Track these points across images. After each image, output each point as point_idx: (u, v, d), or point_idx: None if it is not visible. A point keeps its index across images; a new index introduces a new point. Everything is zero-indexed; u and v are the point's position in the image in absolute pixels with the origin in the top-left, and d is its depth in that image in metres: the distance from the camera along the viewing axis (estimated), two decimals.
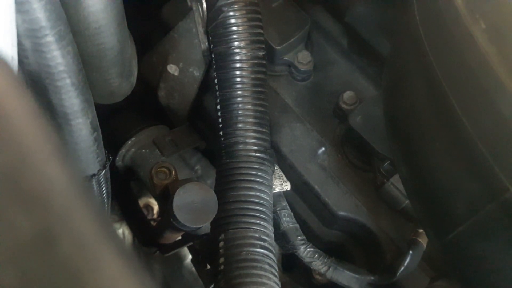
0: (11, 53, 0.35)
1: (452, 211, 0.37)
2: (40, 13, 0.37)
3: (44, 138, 0.16)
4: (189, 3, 0.68)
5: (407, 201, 0.63)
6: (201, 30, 0.65)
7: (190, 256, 0.77)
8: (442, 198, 0.38)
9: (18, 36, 0.37)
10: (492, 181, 0.32)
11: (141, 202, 0.95)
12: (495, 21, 0.35)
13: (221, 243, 0.53)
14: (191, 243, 0.66)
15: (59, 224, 0.14)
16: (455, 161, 0.36)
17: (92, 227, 0.14)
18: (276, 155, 0.66)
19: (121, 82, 0.52)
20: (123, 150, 0.77)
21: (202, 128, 0.79)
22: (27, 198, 0.14)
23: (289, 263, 0.76)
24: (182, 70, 0.73)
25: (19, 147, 0.15)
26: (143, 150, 0.76)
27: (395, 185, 0.63)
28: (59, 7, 0.39)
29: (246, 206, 0.55)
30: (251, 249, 0.52)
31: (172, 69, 0.74)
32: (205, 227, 0.57)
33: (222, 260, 0.52)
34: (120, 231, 0.92)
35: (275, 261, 0.53)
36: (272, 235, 0.56)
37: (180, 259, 0.89)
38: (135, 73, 0.57)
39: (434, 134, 0.39)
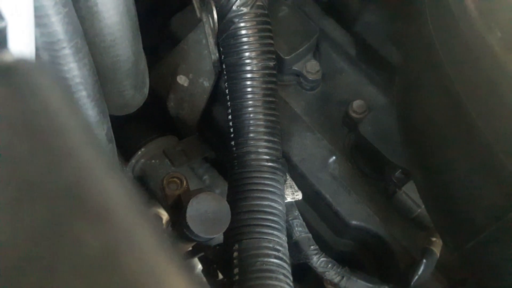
0: None
1: (471, 219, 0.36)
2: (58, 26, 0.37)
3: (98, 151, 0.16)
4: (198, 15, 0.68)
5: (419, 210, 0.62)
6: (211, 41, 0.66)
7: (200, 266, 0.77)
8: (461, 206, 0.38)
9: (36, 49, 0.38)
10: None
11: (150, 212, 0.95)
12: (510, 29, 0.36)
13: (235, 254, 0.53)
14: (202, 253, 0.66)
15: (124, 239, 0.14)
16: (474, 169, 0.36)
17: (153, 242, 0.15)
18: (287, 164, 0.66)
19: (134, 94, 0.52)
20: (133, 161, 0.77)
21: (211, 138, 0.79)
22: (91, 213, 0.14)
23: (300, 273, 0.76)
24: (192, 80, 0.74)
25: (79, 163, 0.15)
26: (153, 161, 0.76)
27: (407, 194, 0.63)
28: (76, 20, 0.40)
29: (259, 216, 0.55)
30: (266, 259, 0.51)
31: (182, 80, 0.74)
32: (217, 237, 0.56)
33: (236, 270, 0.52)
34: None
35: (290, 271, 0.53)
36: (286, 245, 0.56)
37: (190, 268, 0.89)
38: (148, 84, 0.57)
39: (452, 142, 0.39)
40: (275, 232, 0.54)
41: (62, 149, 0.15)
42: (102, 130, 0.44)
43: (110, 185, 0.15)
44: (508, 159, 0.33)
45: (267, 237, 0.53)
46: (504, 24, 0.36)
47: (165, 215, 0.96)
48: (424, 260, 0.58)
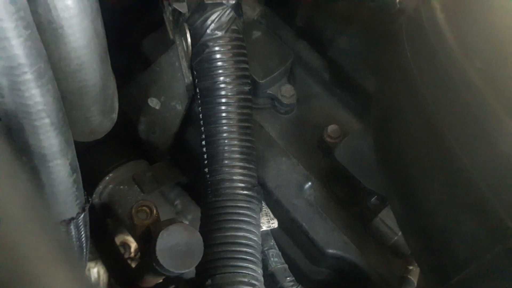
0: None
1: (454, 254, 0.35)
2: (19, 50, 0.35)
3: (40, 237, 0.14)
4: (171, 36, 0.66)
5: (396, 237, 0.61)
6: (184, 64, 0.64)
7: None
8: (442, 241, 0.37)
9: None
10: (496, 225, 0.31)
11: (118, 239, 0.90)
12: (490, 59, 0.35)
13: None
14: (173, 287, 0.63)
15: None
16: (455, 202, 0.35)
17: None
18: (262, 191, 0.64)
19: (102, 120, 0.50)
20: (100, 187, 0.73)
21: (184, 163, 0.77)
22: None
23: None
24: (164, 103, 0.71)
25: (16, 260, 0.12)
26: (121, 187, 0.73)
27: (384, 221, 0.62)
28: (39, 43, 0.37)
29: (233, 249, 0.53)
30: None
31: (154, 102, 0.72)
32: (190, 271, 0.53)
33: None
34: (95, 270, 0.87)
35: None
36: (262, 278, 0.53)
37: None
38: (117, 109, 0.55)
39: (432, 173, 0.38)
40: (251, 265, 0.52)
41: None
42: (66, 160, 0.41)
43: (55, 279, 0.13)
44: (490, 193, 0.32)
45: (242, 271, 0.51)
46: (482, 54, 0.36)
47: (133, 243, 0.92)
48: None
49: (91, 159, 0.77)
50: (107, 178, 0.73)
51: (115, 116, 0.53)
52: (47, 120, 0.38)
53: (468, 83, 0.35)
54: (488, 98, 0.34)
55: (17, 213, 0.14)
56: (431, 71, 0.40)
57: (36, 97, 0.37)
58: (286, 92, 0.72)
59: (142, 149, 0.79)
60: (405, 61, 0.43)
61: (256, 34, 0.74)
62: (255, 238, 0.55)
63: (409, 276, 0.58)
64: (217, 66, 0.59)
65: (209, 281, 0.51)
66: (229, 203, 0.56)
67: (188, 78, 0.65)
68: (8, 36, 0.33)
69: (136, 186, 0.72)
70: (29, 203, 0.15)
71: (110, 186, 0.73)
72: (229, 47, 0.59)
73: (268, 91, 0.72)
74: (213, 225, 0.55)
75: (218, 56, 0.58)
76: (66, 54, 0.41)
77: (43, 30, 0.39)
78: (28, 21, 0.35)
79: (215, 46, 0.58)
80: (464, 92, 0.35)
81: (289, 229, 0.67)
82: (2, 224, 0.13)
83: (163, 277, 0.62)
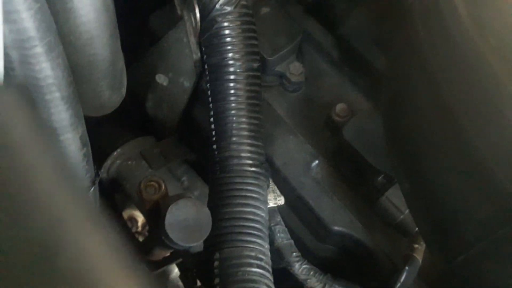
0: None
1: (462, 233, 0.36)
2: (28, 22, 0.34)
3: (74, 197, 0.14)
4: (179, 12, 0.66)
5: (402, 216, 0.62)
6: (193, 40, 0.64)
7: (176, 270, 0.75)
8: (451, 219, 0.37)
9: (5, 47, 0.35)
10: (506, 206, 0.31)
11: (125, 214, 0.92)
12: (505, 38, 0.35)
13: (216, 263, 0.51)
14: (180, 260, 0.64)
15: None
16: (466, 181, 0.35)
17: None
18: (270, 168, 0.64)
19: (111, 94, 0.50)
20: (108, 162, 0.74)
21: (191, 140, 0.77)
22: (67, 282, 0.12)
23: (280, 278, 0.75)
24: (172, 80, 0.71)
25: (50, 215, 0.12)
26: (129, 162, 0.73)
27: (390, 200, 0.62)
28: (49, 17, 0.37)
29: (241, 224, 0.53)
30: (248, 269, 0.50)
31: (161, 79, 0.71)
32: (197, 245, 0.54)
33: (217, 280, 0.50)
34: None
35: (272, 280, 0.52)
36: (269, 253, 0.54)
37: (165, 272, 0.86)
38: (125, 84, 0.55)
39: (443, 153, 0.38)
40: (258, 240, 0.53)
41: (29, 198, 0.12)
42: (77, 134, 0.42)
43: (89, 243, 0.13)
44: (500, 173, 0.32)
45: (249, 245, 0.52)
46: (497, 32, 0.35)
47: (140, 217, 0.93)
48: (407, 268, 0.57)
49: (99, 135, 0.77)
50: (115, 153, 0.74)
51: (124, 91, 0.53)
52: (57, 94, 0.38)
53: (482, 62, 0.35)
54: (503, 77, 0.33)
55: (51, 176, 0.15)
56: (444, 49, 0.39)
57: (47, 70, 0.37)
58: (294, 70, 0.71)
59: (149, 126, 0.79)
60: (418, 39, 0.42)
61: (265, 10, 0.73)
62: (262, 214, 0.56)
63: (414, 254, 0.59)
64: (226, 42, 0.58)
65: (217, 255, 0.51)
66: (237, 180, 0.56)
67: (197, 54, 0.64)
68: (19, 8, 0.33)
69: (144, 161, 0.72)
70: (59, 168, 0.15)
71: (118, 161, 0.74)
72: (238, 22, 0.58)
73: (276, 69, 0.71)
74: (221, 201, 0.55)
75: (227, 31, 0.58)
76: (76, 28, 0.41)
77: (52, 3, 0.38)
78: None
79: (224, 21, 0.58)
80: (478, 71, 0.35)
81: (296, 207, 0.67)
82: (35, 189, 0.13)
83: (171, 250, 0.63)
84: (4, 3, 0.32)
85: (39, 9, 0.35)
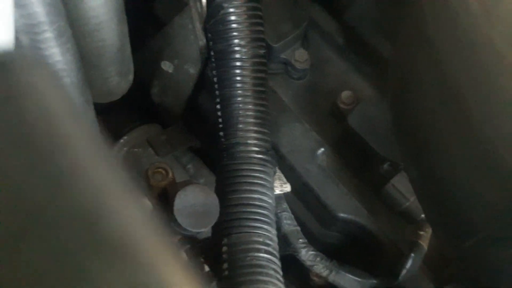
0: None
1: (470, 218, 0.36)
2: (39, 7, 0.34)
3: (111, 167, 0.14)
4: None
5: (407, 203, 0.62)
6: (198, 26, 0.63)
7: (184, 256, 0.75)
8: (459, 204, 0.37)
9: (16, 32, 0.35)
10: None
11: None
12: None
13: (224, 248, 0.51)
14: (188, 246, 0.64)
15: (150, 280, 0.12)
16: (474, 167, 0.36)
17: (181, 279, 0.13)
18: (276, 156, 0.64)
19: (120, 81, 0.50)
20: (115, 149, 0.74)
21: (196, 127, 0.77)
22: (110, 249, 0.12)
23: (285, 264, 0.75)
24: (177, 67, 0.71)
25: (90, 184, 0.13)
26: (136, 149, 0.73)
27: (396, 187, 0.62)
28: (59, 2, 0.37)
29: (249, 210, 0.53)
30: (256, 254, 0.50)
31: (166, 65, 0.71)
32: (205, 231, 0.55)
33: (225, 265, 0.50)
34: None
35: (280, 265, 0.52)
36: (276, 239, 0.55)
37: None
38: (132, 70, 0.55)
39: (451, 138, 0.38)
40: (265, 226, 0.53)
41: (68, 167, 0.13)
42: (86, 119, 0.42)
43: (128, 212, 0.13)
44: (510, 158, 0.32)
45: (257, 231, 0.52)
46: (506, 19, 0.35)
47: (148, 204, 0.94)
48: (412, 254, 0.58)
49: (105, 123, 0.77)
50: (121, 141, 0.74)
51: (131, 77, 0.53)
52: (67, 80, 0.39)
53: (490, 48, 0.35)
54: (511, 64, 0.33)
55: (89, 147, 0.15)
56: (452, 36, 0.39)
57: (56, 55, 0.37)
58: (299, 57, 0.71)
59: (155, 113, 0.79)
60: (425, 26, 0.42)
61: None
62: (269, 200, 0.56)
63: (419, 241, 0.59)
64: (232, 28, 0.58)
65: (225, 240, 0.52)
66: (244, 166, 0.56)
67: (202, 41, 0.64)
68: None
69: (150, 149, 0.72)
70: (95, 138, 0.15)
71: (125, 149, 0.74)
72: (245, 8, 0.58)
73: (281, 56, 0.71)
74: (228, 187, 0.56)
75: (233, 17, 0.58)
76: (84, 13, 0.41)
77: None
78: None
79: (230, 7, 0.57)
80: (487, 59, 0.35)
81: (301, 194, 0.67)
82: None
83: (179, 237, 0.64)
84: None
85: None
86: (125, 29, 0.47)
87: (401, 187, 0.62)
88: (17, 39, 0.35)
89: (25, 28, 0.35)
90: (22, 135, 0.13)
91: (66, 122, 0.14)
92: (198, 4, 0.62)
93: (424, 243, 0.59)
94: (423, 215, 0.60)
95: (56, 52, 0.37)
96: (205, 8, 0.61)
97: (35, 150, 0.13)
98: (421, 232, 0.59)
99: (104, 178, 0.14)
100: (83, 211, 0.12)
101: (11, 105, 0.13)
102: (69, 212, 0.12)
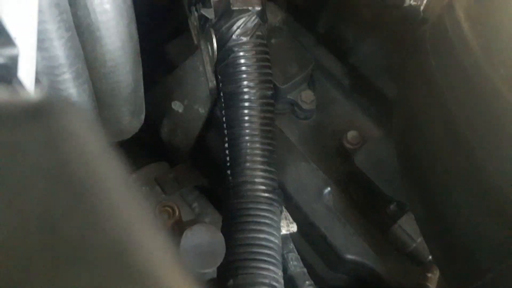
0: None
1: (476, 259, 0.36)
2: (60, 50, 0.36)
3: (140, 208, 0.15)
4: (195, 41, 0.68)
5: (414, 244, 0.62)
6: (209, 68, 0.66)
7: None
8: (465, 245, 0.37)
9: (36, 73, 0.36)
10: None
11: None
12: None
13: None
14: None
15: None
16: (479, 208, 0.36)
17: None
18: (282, 194, 0.65)
19: (132, 120, 0.51)
20: None
21: (204, 166, 0.78)
22: (140, 279, 0.13)
23: None
24: (187, 107, 0.73)
25: (122, 222, 0.14)
26: (144, 187, 0.74)
27: (403, 228, 0.62)
28: (78, 45, 0.39)
29: (255, 250, 0.53)
30: None
31: (177, 105, 0.73)
32: (211, 271, 0.54)
33: None
34: None
35: None
36: (282, 280, 0.54)
37: None
38: (144, 110, 0.56)
39: (456, 180, 0.38)
40: (271, 267, 0.53)
41: (104, 206, 0.14)
42: None
43: (155, 247, 0.14)
44: None
45: (263, 272, 0.52)
46: (507, 62, 0.36)
47: None
48: None
49: None
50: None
51: (143, 117, 0.55)
52: None
53: (493, 92, 0.36)
54: None
55: (120, 186, 0.16)
56: (455, 78, 0.40)
57: (73, 96, 0.39)
58: (306, 97, 0.73)
59: (163, 152, 0.80)
60: (430, 69, 0.43)
61: (278, 40, 0.75)
62: (276, 241, 0.56)
63: (427, 283, 0.58)
64: (241, 71, 0.60)
65: (231, 282, 0.51)
66: (251, 205, 0.57)
67: (212, 82, 0.66)
68: (51, 37, 0.35)
69: (157, 187, 0.73)
70: (125, 179, 0.16)
71: None
72: (254, 52, 0.60)
73: (288, 96, 0.73)
74: (234, 226, 0.56)
75: (242, 61, 0.60)
76: (102, 56, 0.43)
77: (81, 32, 0.40)
78: (69, 24, 0.36)
79: (240, 51, 0.60)
80: (490, 101, 0.36)
81: (308, 234, 0.67)
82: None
83: None
84: (39, 32, 0.34)
85: (69, 38, 0.37)
86: (140, 71, 0.49)
87: (408, 228, 0.62)
88: (37, 80, 0.37)
89: (45, 70, 0.37)
90: (64, 175, 0.14)
91: (102, 163, 0.15)
92: (209, 47, 0.64)
93: (432, 286, 0.58)
94: (430, 257, 0.59)
95: (73, 93, 0.39)
96: (215, 52, 0.63)
97: (75, 190, 0.14)
98: (429, 275, 0.58)
99: (135, 216, 0.15)
100: (116, 245, 0.13)
101: (51, 149, 0.14)
102: (103, 246, 0.13)
